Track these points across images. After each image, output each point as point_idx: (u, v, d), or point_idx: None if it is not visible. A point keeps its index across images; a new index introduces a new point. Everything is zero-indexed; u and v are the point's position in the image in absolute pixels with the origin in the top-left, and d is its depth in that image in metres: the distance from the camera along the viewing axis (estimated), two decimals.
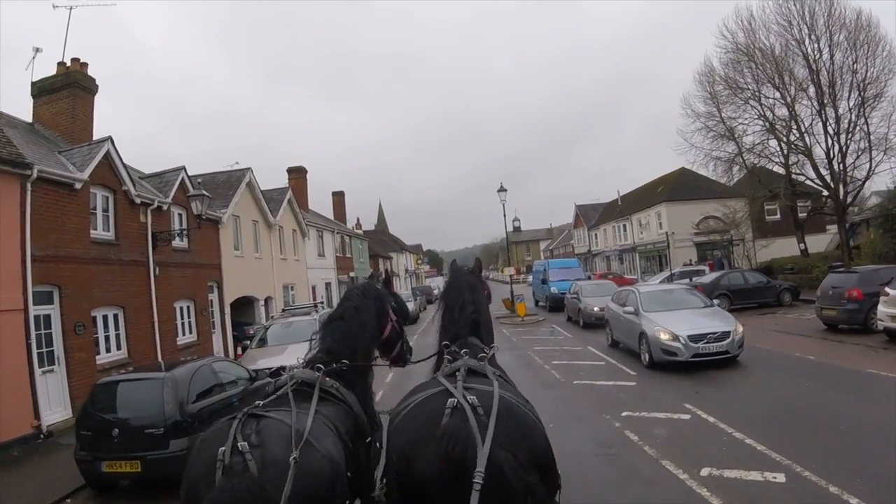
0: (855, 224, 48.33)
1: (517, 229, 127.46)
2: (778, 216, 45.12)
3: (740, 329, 12.96)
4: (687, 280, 32.62)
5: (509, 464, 2.61)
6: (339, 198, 50.60)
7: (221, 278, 22.66)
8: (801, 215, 38.00)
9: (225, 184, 24.93)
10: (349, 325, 4.09)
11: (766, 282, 25.51)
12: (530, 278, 68.07)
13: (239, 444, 2.77)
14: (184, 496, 2.87)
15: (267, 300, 26.93)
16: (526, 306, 27.99)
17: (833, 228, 46.49)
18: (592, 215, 71.41)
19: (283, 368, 4.00)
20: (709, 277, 27.04)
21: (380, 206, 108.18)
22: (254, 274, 25.46)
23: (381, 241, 69.86)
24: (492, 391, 2.99)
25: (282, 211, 29.15)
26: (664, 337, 12.90)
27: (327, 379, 3.69)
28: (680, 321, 13.17)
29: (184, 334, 19.61)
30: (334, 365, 3.82)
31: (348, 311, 4.16)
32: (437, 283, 66.44)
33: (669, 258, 47.56)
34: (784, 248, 41.08)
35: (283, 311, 17.03)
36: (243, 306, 24.83)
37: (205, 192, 18.07)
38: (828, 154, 32.54)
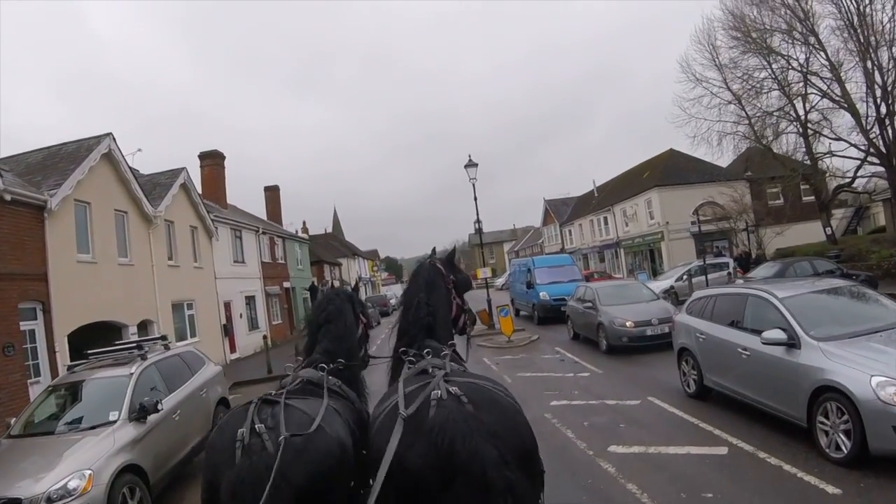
0: (862, 207, 42.65)
1: (479, 231, 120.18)
2: (781, 200, 39.19)
3: None
4: (725, 275, 26.01)
5: (491, 459, 2.61)
6: (272, 193, 42.35)
7: (49, 296, 14.61)
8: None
9: (70, 157, 16.89)
10: (338, 326, 4.31)
11: (839, 271, 19.15)
12: (499, 280, 64.07)
13: (256, 426, 2.98)
14: (206, 475, 3.09)
15: (143, 325, 18.91)
16: (513, 321, 20.18)
17: (840, 212, 41.48)
18: (564, 210, 64.81)
19: (287, 368, 4.44)
20: (768, 269, 20.40)
21: (334, 211, 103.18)
22: (117, 288, 17.41)
23: (330, 245, 61.86)
24: (473, 381, 3.09)
25: (169, 199, 21.13)
26: None
27: (331, 378, 3.84)
28: None
29: None
30: (332, 365, 3.98)
31: (334, 315, 4.33)
32: (395, 292, 58.89)
33: (664, 253, 40.92)
34: (800, 234, 35.71)
35: (88, 357, 9.29)
36: (101, 337, 16.72)
37: None
38: (878, 112, 26.06)
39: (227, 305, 25.72)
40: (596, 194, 55.94)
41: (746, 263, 29.77)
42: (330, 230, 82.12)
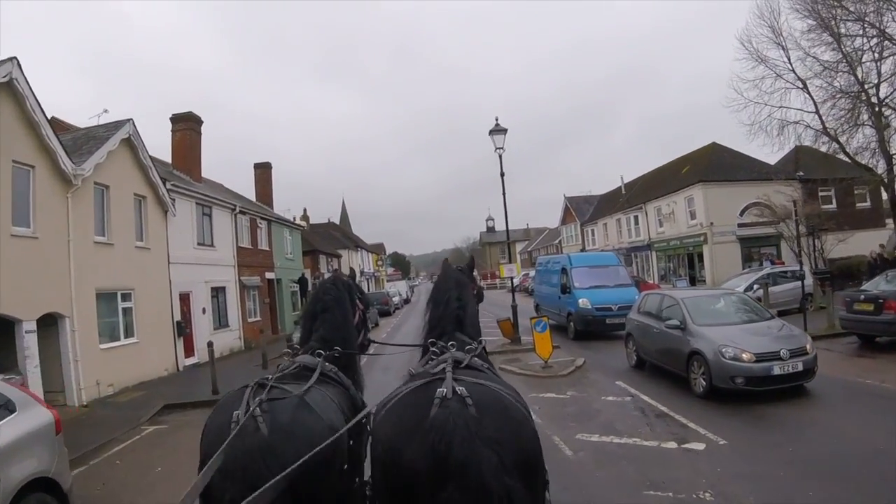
0: None
1: (491, 230, 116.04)
2: (833, 205, 34.73)
3: None
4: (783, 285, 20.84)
5: (489, 463, 2.55)
6: (263, 172, 36.93)
7: None
8: None
9: None
10: (335, 315, 4.26)
11: None
12: (515, 280, 55.23)
13: (252, 408, 2.95)
14: (202, 454, 3.05)
15: (54, 321, 14.00)
16: (551, 338, 14.75)
17: (891, 224, 37.21)
18: (586, 209, 59.54)
19: (286, 354, 4.07)
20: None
21: (342, 203, 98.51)
22: (7, 268, 12.43)
23: (330, 235, 56.89)
24: (482, 383, 3.01)
25: (101, 156, 16.08)
26: None
27: (327, 364, 3.80)
28: None
29: None
30: (328, 352, 3.95)
31: (331, 303, 4.29)
32: (400, 289, 53.93)
33: (706, 258, 35.81)
34: (862, 243, 30.58)
35: None
36: None
37: None
38: None
39: (185, 298, 20.64)
40: (623, 192, 50.68)
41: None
42: (336, 222, 77.30)
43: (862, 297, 13.95)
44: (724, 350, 9.68)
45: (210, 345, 15.46)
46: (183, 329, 19.83)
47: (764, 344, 9.82)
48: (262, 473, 2.66)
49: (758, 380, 9.43)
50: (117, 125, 17.61)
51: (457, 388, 2.81)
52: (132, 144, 17.88)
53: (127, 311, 17.28)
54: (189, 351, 20.18)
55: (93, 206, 16.16)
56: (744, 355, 9.50)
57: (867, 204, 36.95)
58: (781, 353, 9.48)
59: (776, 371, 9.40)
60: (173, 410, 13.32)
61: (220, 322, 23.58)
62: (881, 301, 13.10)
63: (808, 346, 9.85)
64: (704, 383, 9.97)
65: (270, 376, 3.40)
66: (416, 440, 2.67)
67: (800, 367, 9.48)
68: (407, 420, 2.81)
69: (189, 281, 20.82)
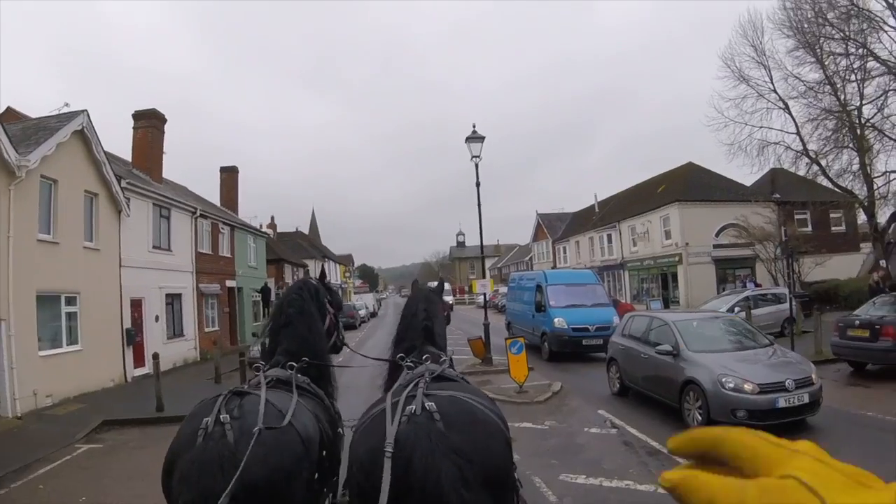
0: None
1: (461, 244, 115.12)
2: (809, 228, 34.83)
3: None
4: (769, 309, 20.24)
5: (448, 476, 2.57)
6: (229, 176, 35.54)
7: None
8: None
9: None
10: (299, 328, 4.08)
11: None
12: (478, 297, 54.29)
13: (222, 416, 2.91)
14: (167, 460, 2.98)
15: None
16: (526, 360, 13.55)
17: (867, 247, 37.55)
18: (558, 226, 59.07)
19: (257, 368, 3.86)
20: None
21: (312, 213, 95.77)
22: None
23: (297, 245, 55.44)
24: (454, 395, 3.01)
25: (50, 148, 14.82)
26: None
27: (299, 376, 3.71)
28: None
29: None
30: (298, 364, 3.81)
31: (294, 317, 4.12)
32: (367, 302, 52.72)
33: (680, 278, 35.34)
34: (840, 266, 32.01)
35: None
36: None
37: None
38: None
39: (137, 304, 19.32)
40: (597, 209, 50.22)
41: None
42: (305, 231, 75.86)
43: (857, 322, 13.28)
44: (723, 380, 8.80)
45: (155, 357, 14.22)
46: (133, 337, 18.49)
47: (767, 373, 9.04)
48: (217, 480, 2.63)
49: (761, 413, 8.50)
50: (70, 116, 16.38)
51: (426, 404, 2.83)
52: (85, 137, 16.62)
53: (71, 316, 15.96)
54: (139, 361, 18.83)
55: (38, 201, 14.87)
56: (746, 386, 8.65)
57: (842, 228, 37.05)
58: (787, 384, 8.69)
59: (781, 404, 8.58)
60: (112, 427, 12.12)
61: (175, 331, 22.21)
62: (878, 327, 12.49)
63: (813, 376, 9.05)
64: (700, 416, 9.04)
65: (247, 385, 3.42)
66: (382, 459, 2.63)
67: (805, 399, 8.70)
68: (376, 439, 2.77)
69: (142, 286, 19.49)
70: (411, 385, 3.16)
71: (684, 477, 0.60)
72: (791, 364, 9.44)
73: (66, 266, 15.63)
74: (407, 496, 2.53)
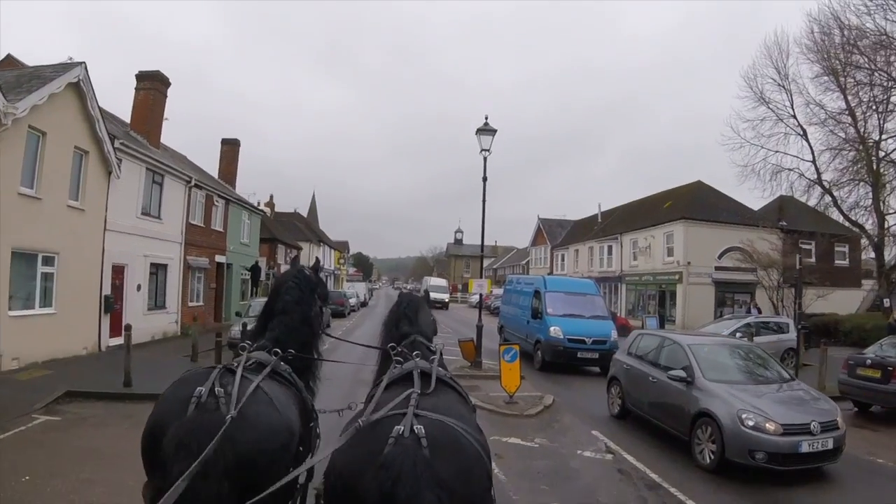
0: None
1: (459, 242, 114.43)
2: (813, 259, 34.40)
3: None
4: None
5: None
6: (230, 149, 34.59)
7: None
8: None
9: None
10: (293, 318, 4.07)
11: None
12: (473, 297, 52.92)
13: (216, 388, 2.93)
14: (152, 423, 2.97)
15: None
16: (520, 370, 12.85)
17: (868, 284, 37.26)
18: (558, 233, 58.56)
19: (242, 349, 3.79)
20: None
21: (313, 196, 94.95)
22: None
23: (293, 226, 54.75)
24: (442, 420, 2.96)
25: (41, 98, 14.00)
26: None
27: (282, 364, 3.68)
28: None
29: None
30: (283, 353, 3.77)
31: (290, 305, 4.11)
32: (358, 291, 52.01)
33: (679, 297, 34.77)
34: (842, 300, 31.24)
35: None
36: None
37: None
38: None
39: (119, 270, 18.53)
40: (600, 219, 49.58)
41: None
42: (304, 214, 75.24)
43: (868, 361, 12.66)
44: (744, 416, 7.95)
45: (128, 329, 13.43)
46: (111, 305, 17.70)
47: (791, 412, 8.19)
48: (214, 451, 2.64)
49: (782, 457, 7.72)
50: (66, 67, 15.56)
51: (414, 427, 2.81)
52: (81, 91, 15.81)
53: (47, 277, 15.16)
54: (115, 330, 18.00)
55: (23, 153, 14.02)
56: (768, 425, 7.79)
57: (846, 263, 36.57)
58: (812, 427, 7.87)
59: (804, 448, 7.76)
60: (75, 399, 11.32)
61: (157, 302, 21.42)
62: (890, 369, 11.92)
63: (838, 420, 8.24)
64: (713, 455, 8.20)
65: (237, 364, 3.38)
66: (367, 475, 2.67)
67: (829, 445, 7.90)
68: (362, 454, 2.79)
69: (126, 252, 18.68)
70: (402, 398, 3.12)
71: None
72: (815, 404, 8.63)
73: (47, 224, 14.84)
74: None
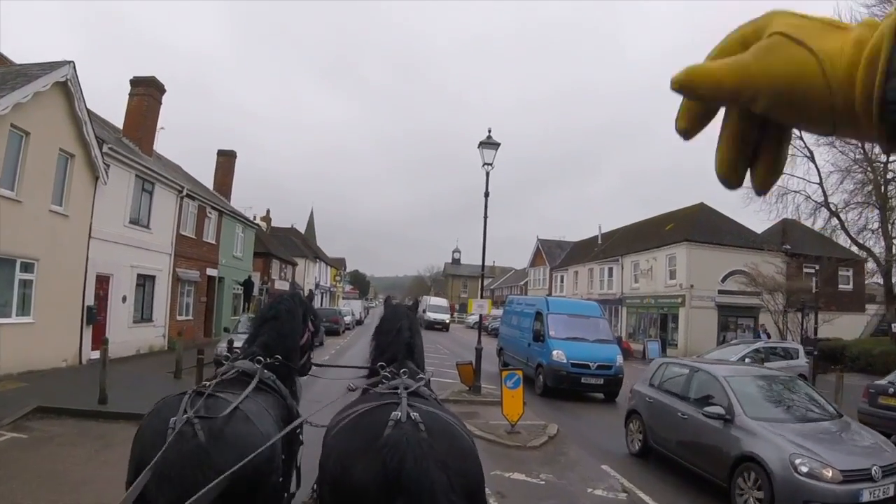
0: None
1: (456, 262, 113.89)
2: (814, 283, 33.92)
3: None
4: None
5: (441, 483, 2.62)
6: (226, 160, 34.00)
7: None
8: None
9: None
10: (283, 325, 4.19)
11: None
12: (472, 318, 50.53)
13: (188, 414, 2.89)
14: (134, 457, 2.96)
15: None
16: (523, 397, 11.82)
17: (872, 309, 36.76)
18: (558, 254, 57.92)
19: (226, 359, 4.16)
20: None
21: (311, 212, 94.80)
22: None
23: (289, 241, 53.97)
24: (434, 411, 3.06)
25: (25, 96, 13.37)
26: None
27: (265, 371, 3.73)
28: None
29: None
30: (268, 360, 3.84)
31: (283, 314, 4.23)
32: (354, 308, 51.17)
33: (681, 321, 34.04)
34: (848, 325, 30.42)
35: None
36: None
37: None
38: None
39: (104, 281, 17.75)
40: (600, 241, 48.94)
41: None
42: (301, 230, 74.60)
43: (891, 390, 11.91)
44: (797, 461, 6.90)
45: (105, 342, 12.64)
46: (94, 316, 16.89)
47: (849, 456, 7.21)
48: (198, 479, 2.62)
49: None
50: (53, 66, 14.93)
51: (411, 413, 2.87)
52: (68, 91, 15.18)
53: (26, 284, 14.45)
54: (98, 342, 17.13)
55: (3, 153, 13.37)
56: (826, 472, 6.77)
57: (850, 287, 36.07)
58: (873, 472, 6.87)
59: (865, 497, 6.74)
60: (46, 415, 10.52)
61: (143, 315, 20.62)
62: None
63: None
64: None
65: (208, 383, 3.39)
66: (367, 457, 2.70)
67: (891, 493, 6.92)
68: (360, 439, 2.84)
69: (111, 262, 17.94)
70: (391, 390, 3.23)
71: (690, 71, 0.63)
72: (872, 444, 7.71)
73: (28, 229, 14.11)
74: (395, 498, 2.56)
